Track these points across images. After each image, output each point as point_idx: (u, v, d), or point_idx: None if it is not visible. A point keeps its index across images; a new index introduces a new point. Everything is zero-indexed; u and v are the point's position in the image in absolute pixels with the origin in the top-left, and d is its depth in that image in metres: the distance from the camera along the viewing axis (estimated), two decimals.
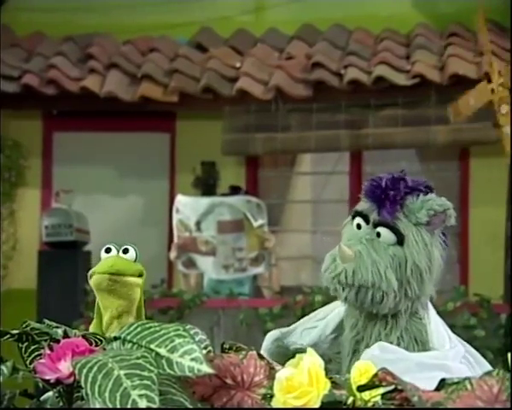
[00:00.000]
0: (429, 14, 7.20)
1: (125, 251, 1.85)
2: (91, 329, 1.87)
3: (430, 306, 2.14)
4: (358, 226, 2.08)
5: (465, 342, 2.15)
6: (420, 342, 2.06)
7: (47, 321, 1.63)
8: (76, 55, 7.04)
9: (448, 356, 2.03)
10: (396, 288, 2.01)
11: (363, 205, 2.09)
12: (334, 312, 2.17)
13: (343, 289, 2.03)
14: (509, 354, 1.43)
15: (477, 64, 6.40)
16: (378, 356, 1.93)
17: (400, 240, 2.03)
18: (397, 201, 2.04)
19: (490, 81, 5.69)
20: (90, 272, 1.85)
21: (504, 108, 5.56)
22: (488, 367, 2.09)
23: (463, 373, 1.99)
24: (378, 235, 2.04)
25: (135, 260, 1.86)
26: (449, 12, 7.05)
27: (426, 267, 2.05)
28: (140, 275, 1.86)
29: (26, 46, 7.16)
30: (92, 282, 1.84)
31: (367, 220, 2.07)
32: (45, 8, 7.30)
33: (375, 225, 2.05)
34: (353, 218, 2.10)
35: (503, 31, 6.76)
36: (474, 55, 6.57)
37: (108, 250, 1.85)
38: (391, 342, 2.04)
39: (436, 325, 2.10)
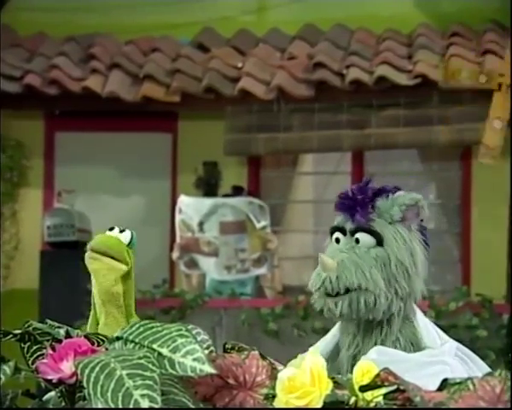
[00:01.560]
0: (431, 14, 7.19)
1: (122, 231, 1.91)
2: (89, 323, 1.90)
3: (415, 307, 2.15)
4: (337, 241, 2.12)
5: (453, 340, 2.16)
6: (414, 345, 2.07)
7: (49, 321, 1.63)
8: (78, 55, 7.05)
9: (444, 352, 2.05)
10: (384, 288, 2.02)
11: (338, 219, 2.14)
12: (327, 340, 2.17)
13: (336, 305, 2.04)
14: (510, 354, 1.42)
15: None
16: (376, 360, 1.93)
17: (379, 241, 2.06)
18: (366, 203, 2.08)
19: (499, 89, 5.66)
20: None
21: (497, 123, 5.55)
22: (479, 362, 2.11)
23: (458, 369, 2.00)
24: (357, 241, 2.07)
25: (129, 244, 1.90)
26: (451, 12, 7.05)
27: (410, 262, 2.07)
28: (124, 261, 1.88)
29: (28, 46, 7.16)
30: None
31: (344, 232, 2.10)
32: (47, 8, 7.30)
33: (353, 233, 2.08)
34: (331, 235, 2.14)
35: (505, 31, 6.75)
36: (476, 54, 6.57)
37: (111, 229, 1.92)
38: (388, 347, 2.05)
39: (425, 325, 2.13)
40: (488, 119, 5.69)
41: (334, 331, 2.17)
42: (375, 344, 2.05)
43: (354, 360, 2.06)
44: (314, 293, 2.09)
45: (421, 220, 2.12)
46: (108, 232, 1.90)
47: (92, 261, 1.88)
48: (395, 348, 2.05)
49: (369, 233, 2.06)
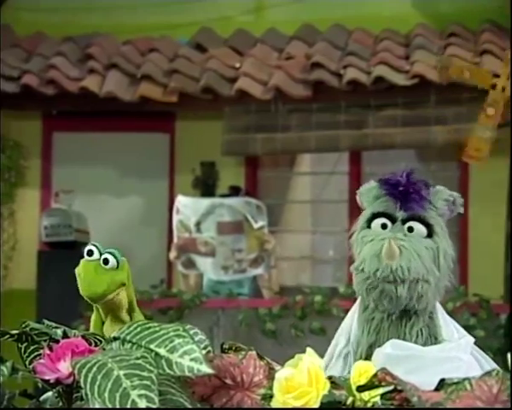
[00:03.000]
0: (429, 15, 7.20)
1: (105, 262, 1.78)
2: (92, 321, 1.87)
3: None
4: (384, 226, 2.05)
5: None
6: (433, 337, 2.07)
7: (46, 321, 1.63)
8: (76, 55, 7.04)
9: (460, 347, 2.04)
10: (437, 279, 2.02)
11: (382, 205, 2.06)
12: (335, 355, 2.12)
13: (396, 289, 1.99)
14: (508, 355, 1.43)
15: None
16: (391, 354, 1.93)
17: (430, 232, 2.04)
18: (423, 193, 2.05)
19: (494, 87, 5.63)
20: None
21: (491, 110, 5.48)
22: (491, 361, 2.11)
23: (473, 365, 2.00)
24: (410, 230, 2.03)
25: (117, 266, 1.80)
26: (448, 12, 7.05)
27: (452, 257, 2.07)
28: (122, 284, 1.82)
29: (26, 46, 7.16)
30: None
31: (392, 220, 2.05)
32: (45, 8, 7.30)
33: (404, 222, 2.03)
34: (371, 221, 2.07)
35: (502, 31, 6.75)
36: (473, 55, 6.57)
37: (90, 253, 1.79)
38: (411, 337, 2.03)
39: (444, 319, 2.12)
40: (475, 127, 5.63)
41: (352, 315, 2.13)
42: (398, 333, 2.03)
43: (371, 349, 2.03)
44: (375, 276, 1.99)
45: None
46: (88, 258, 1.79)
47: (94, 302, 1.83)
48: (417, 338, 2.04)
49: (422, 223, 2.03)
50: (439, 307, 2.12)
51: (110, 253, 1.79)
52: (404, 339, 2.04)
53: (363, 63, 6.61)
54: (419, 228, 2.03)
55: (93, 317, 1.88)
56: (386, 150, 6.79)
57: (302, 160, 7.39)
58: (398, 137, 6.53)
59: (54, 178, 7.32)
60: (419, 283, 1.99)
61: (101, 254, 1.80)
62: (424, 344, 2.04)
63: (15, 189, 7.28)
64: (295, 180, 7.46)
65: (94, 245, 1.81)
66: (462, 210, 2.12)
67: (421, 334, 2.05)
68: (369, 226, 2.07)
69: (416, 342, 2.04)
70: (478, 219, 6.83)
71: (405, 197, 2.04)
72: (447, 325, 2.11)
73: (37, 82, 6.78)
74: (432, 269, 2.01)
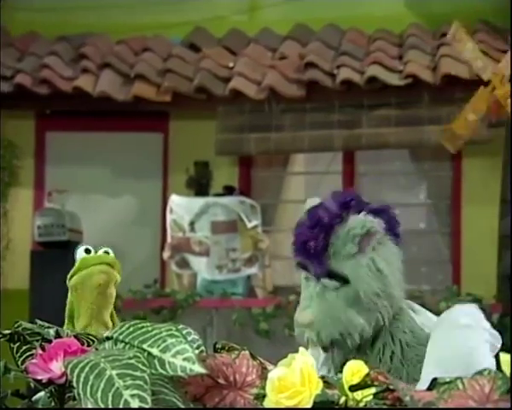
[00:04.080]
0: (422, 15, 7.21)
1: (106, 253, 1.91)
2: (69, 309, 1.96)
3: (409, 302, 2.14)
4: (307, 279, 2.08)
5: None
6: (418, 332, 2.06)
7: (39, 321, 1.63)
8: (69, 54, 7.04)
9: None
10: (363, 322, 1.99)
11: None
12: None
13: (325, 351, 2.04)
14: (500, 354, 1.43)
15: (469, 64, 6.40)
16: (470, 325, 1.89)
17: (344, 280, 2.01)
18: (319, 253, 2.01)
19: (486, 85, 5.64)
20: (75, 270, 1.92)
21: (471, 116, 5.48)
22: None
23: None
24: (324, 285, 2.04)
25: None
26: (442, 12, 7.06)
27: (377, 288, 2.01)
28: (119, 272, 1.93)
29: (20, 46, 7.15)
30: (84, 277, 1.86)
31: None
32: (39, 7, 7.29)
33: (318, 278, 2.04)
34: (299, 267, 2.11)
35: (496, 31, 6.77)
36: None
37: (88, 251, 1.92)
38: (390, 351, 2.03)
39: (415, 310, 2.12)
40: (465, 108, 5.66)
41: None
42: (378, 349, 2.03)
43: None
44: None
45: (393, 228, 2.06)
46: (84, 253, 1.93)
47: (104, 275, 1.89)
48: (405, 340, 2.03)
49: (332, 278, 2.01)
50: (405, 303, 2.11)
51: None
52: (372, 353, 2.03)
53: (356, 63, 6.62)
54: (330, 283, 2.01)
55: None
56: (380, 150, 6.80)
57: (296, 159, 7.39)
58: (392, 137, 6.54)
59: (47, 178, 7.31)
60: (342, 337, 1.99)
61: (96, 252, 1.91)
62: (402, 354, 2.03)
63: (8, 188, 7.26)
64: (289, 180, 7.46)
65: (89, 247, 1.92)
66: (380, 234, 2.00)
67: (406, 335, 2.05)
68: None
69: (390, 351, 2.04)
70: (471, 218, 6.84)
71: (309, 257, 2.04)
72: (421, 314, 2.12)
73: (31, 81, 6.77)
74: (352, 318, 1.99)
